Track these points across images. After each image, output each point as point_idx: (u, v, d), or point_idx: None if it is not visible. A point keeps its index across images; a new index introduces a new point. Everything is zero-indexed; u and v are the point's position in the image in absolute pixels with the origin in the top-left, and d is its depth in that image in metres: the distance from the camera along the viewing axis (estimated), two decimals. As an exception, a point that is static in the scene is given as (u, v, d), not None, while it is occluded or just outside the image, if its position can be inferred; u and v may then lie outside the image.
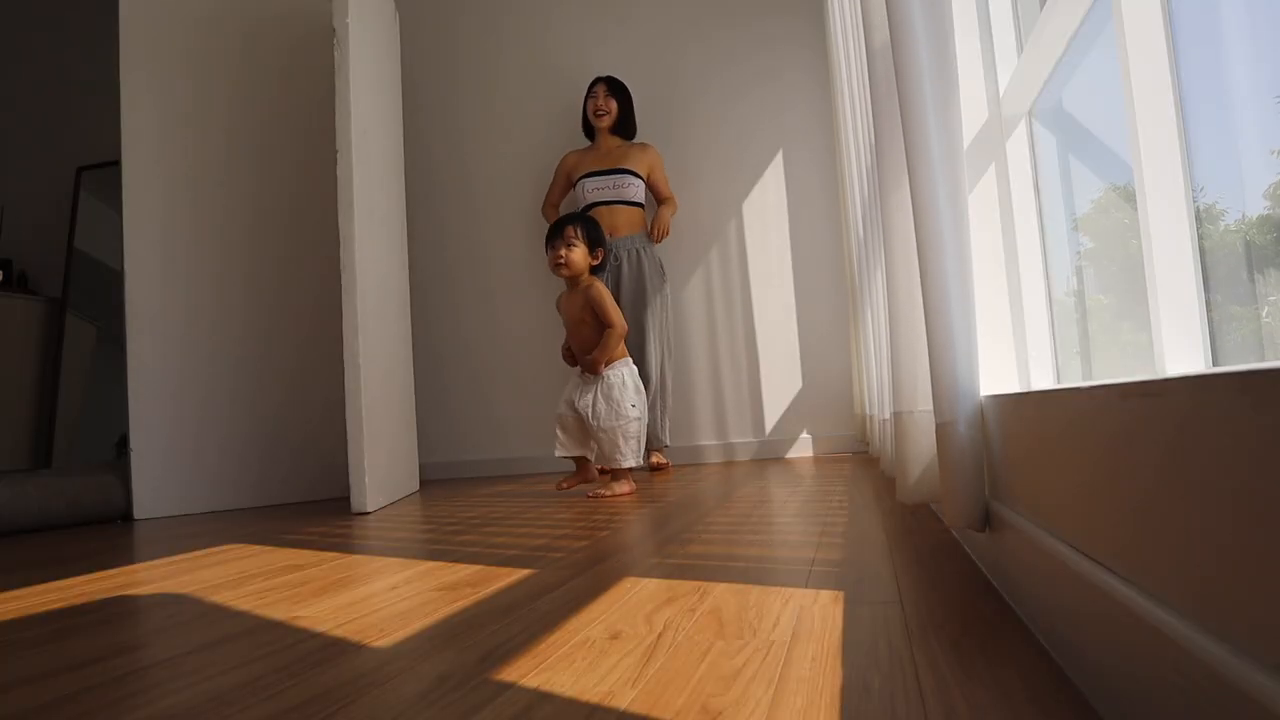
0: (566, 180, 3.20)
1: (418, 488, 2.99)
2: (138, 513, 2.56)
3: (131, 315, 2.64)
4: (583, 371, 2.32)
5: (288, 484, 2.90)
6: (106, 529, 2.37)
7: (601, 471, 2.46)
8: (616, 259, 3.08)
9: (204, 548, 1.73)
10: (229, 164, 2.87)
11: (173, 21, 2.78)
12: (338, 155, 2.39)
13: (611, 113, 3.14)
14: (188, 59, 2.81)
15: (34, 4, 3.79)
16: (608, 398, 2.27)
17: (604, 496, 2.21)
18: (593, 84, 3.19)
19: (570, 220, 2.32)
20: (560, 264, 2.26)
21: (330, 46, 2.88)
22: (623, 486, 2.28)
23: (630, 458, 2.27)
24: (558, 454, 2.35)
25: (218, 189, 2.84)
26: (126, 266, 2.64)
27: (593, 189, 3.10)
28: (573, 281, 2.30)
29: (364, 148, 2.46)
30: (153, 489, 2.61)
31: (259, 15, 2.96)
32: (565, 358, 2.40)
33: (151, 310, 2.68)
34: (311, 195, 2.97)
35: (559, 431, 2.35)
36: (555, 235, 2.31)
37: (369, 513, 2.29)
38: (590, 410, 2.27)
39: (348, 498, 2.34)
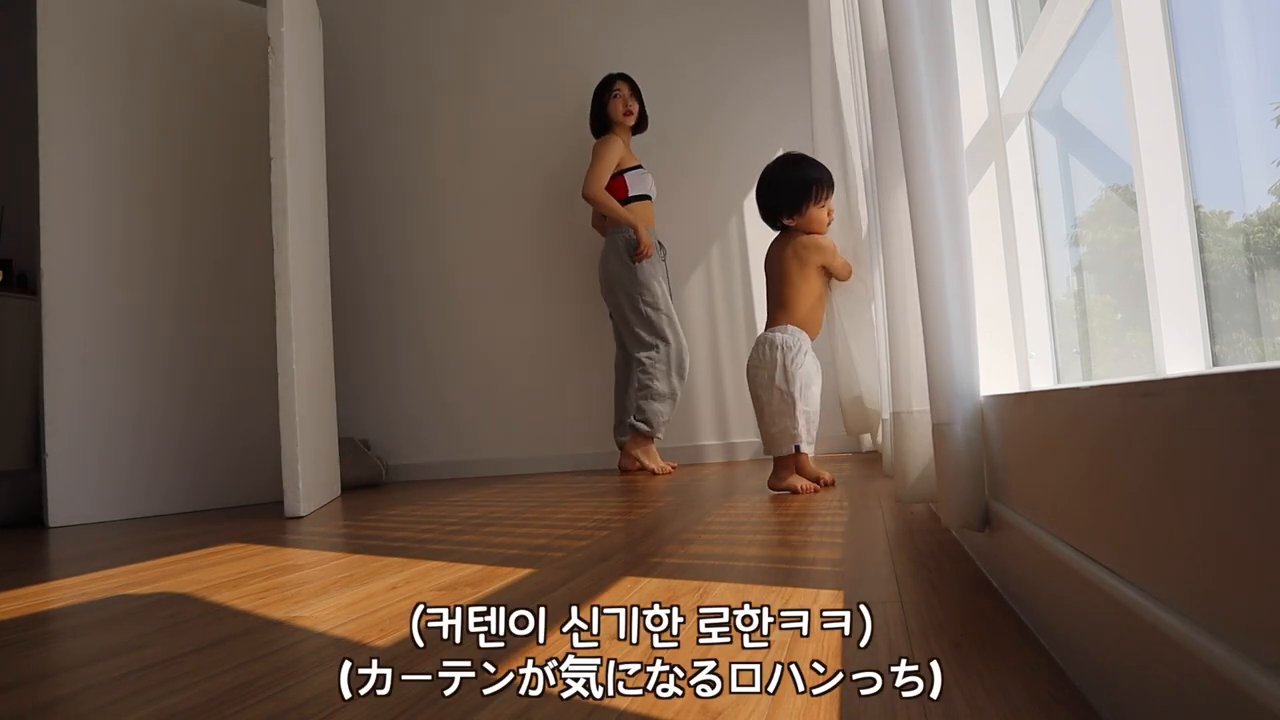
0: (617, 165, 3.14)
1: (339, 493, 2.97)
2: (52, 520, 2.50)
3: (47, 316, 2.57)
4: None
5: (205, 490, 2.84)
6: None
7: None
8: (664, 249, 3.17)
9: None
10: (157, 163, 2.84)
11: (95, 22, 2.74)
12: (271, 162, 2.38)
13: (635, 112, 3.17)
14: (112, 53, 2.77)
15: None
16: None
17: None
18: (612, 81, 3.17)
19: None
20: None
21: (254, 51, 2.85)
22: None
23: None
24: (812, 450, 2.00)
25: (146, 190, 2.81)
26: (44, 265, 2.58)
27: (650, 184, 3.15)
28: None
29: (295, 154, 2.46)
30: (69, 495, 2.54)
31: (185, 14, 2.94)
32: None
33: (67, 309, 2.62)
34: (243, 198, 2.96)
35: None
36: (831, 187, 2.06)
37: (302, 517, 2.28)
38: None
39: (270, 503, 2.32)
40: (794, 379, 1.94)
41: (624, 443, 3.12)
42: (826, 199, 2.04)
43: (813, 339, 2.03)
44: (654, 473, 2.94)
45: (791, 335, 1.98)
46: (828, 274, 2.05)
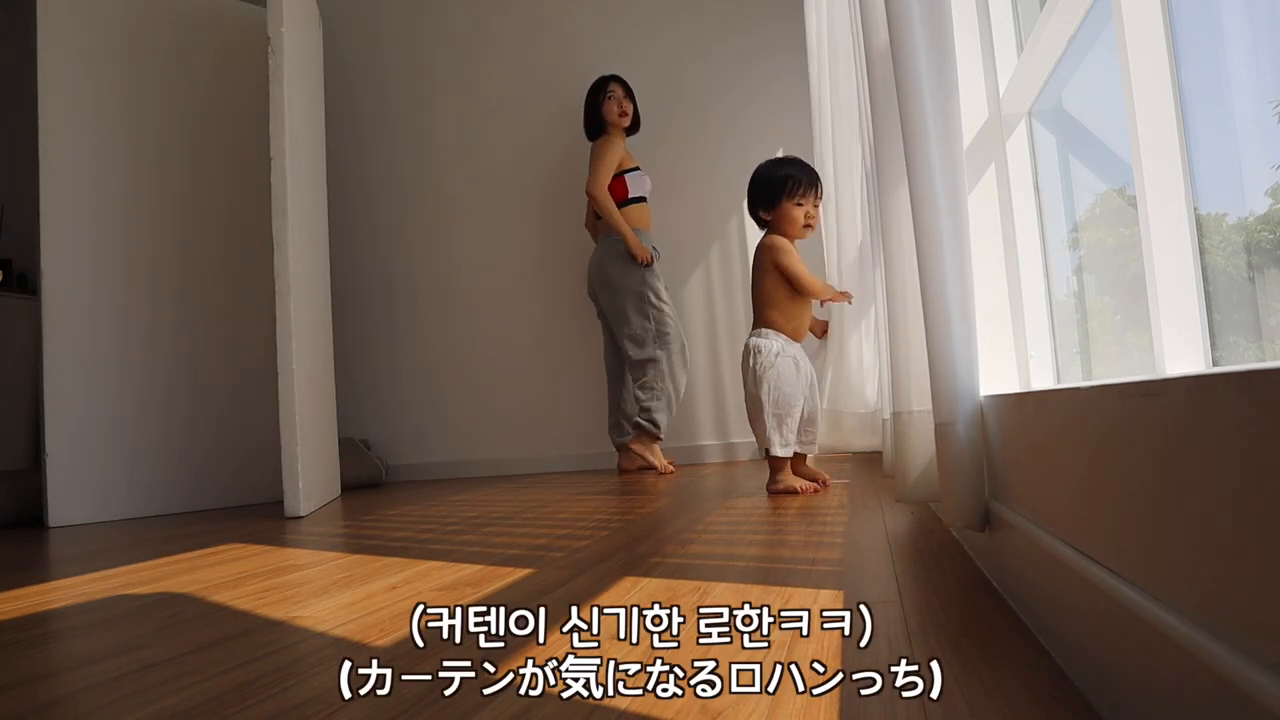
0: (618, 165, 3.12)
1: (339, 493, 2.96)
2: (52, 520, 2.49)
3: (47, 316, 2.57)
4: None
5: (205, 490, 2.84)
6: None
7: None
8: (658, 253, 3.14)
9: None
10: (157, 163, 2.84)
11: (95, 21, 2.74)
12: (271, 162, 2.38)
13: (629, 114, 3.16)
14: (112, 53, 2.77)
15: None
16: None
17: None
18: (606, 83, 3.16)
19: (817, 174, 2.04)
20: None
21: (254, 51, 2.86)
22: None
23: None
24: (791, 451, 1.97)
25: (147, 190, 2.82)
26: (44, 265, 2.58)
27: (648, 185, 3.14)
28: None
29: (295, 154, 2.46)
30: (69, 495, 2.54)
31: (185, 14, 2.94)
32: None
33: (67, 309, 2.61)
34: (243, 198, 2.96)
35: (796, 423, 1.98)
36: (807, 185, 1.99)
37: (302, 517, 2.28)
38: (813, 387, 2.04)
39: (270, 503, 2.31)
40: (761, 382, 1.95)
41: (621, 443, 3.12)
42: (804, 197, 1.98)
43: (796, 340, 2.01)
44: (658, 470, 2.94)
45: (764, 339, 1.99)
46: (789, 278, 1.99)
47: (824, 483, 2.01)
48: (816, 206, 2.01)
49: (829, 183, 2.60)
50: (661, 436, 3.01)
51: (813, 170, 2.04)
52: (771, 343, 1.98)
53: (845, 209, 2.52)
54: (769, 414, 1.95)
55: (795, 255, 1.99)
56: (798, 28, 3.46)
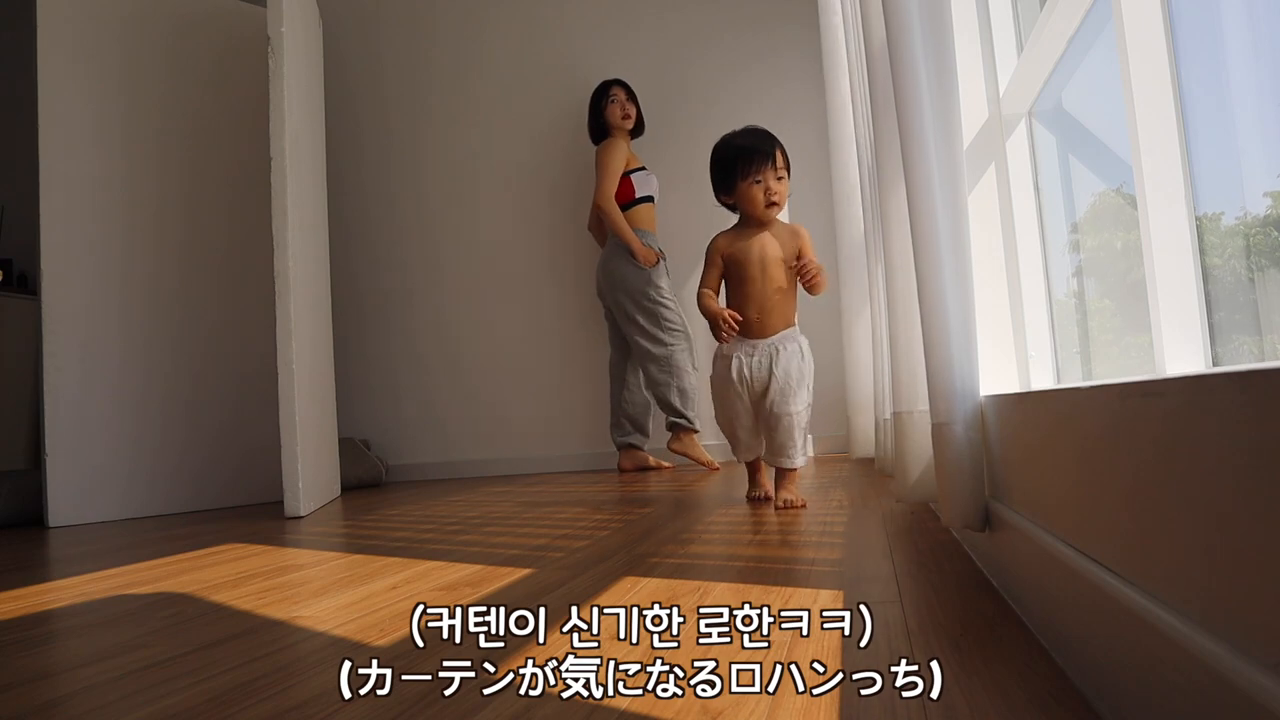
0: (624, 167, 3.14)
1: (339, 493, 2.97)
2: (52, 520, 2.49)
3: (47, 316, 2.57)
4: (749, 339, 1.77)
5: (205, 490, 2.84)
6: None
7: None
8: (664, 255, 3.16)
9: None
10: (157, 163, 2.85)
11: (95, 22, 2.74)
12: (271, 162, 2.39)
13: (632, 116, 3.17)
14: (112, 54, 2.77)
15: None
16: (789, 374, 1.73)
17: (795, 506, 1.69)
18: (608, 87, 3.18)
19: (772, 140, 1.77)
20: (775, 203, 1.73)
21: (254, 51, 2.87)
22: (797, 493, 1.75)
23: (801, 455, 1.75)
24: (746, 459, 1.86)
25: (147, 190, 2.82)
26: (44, 265, 2.58)
27: (654, 184, 3.16)
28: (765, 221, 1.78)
29: (295, 154, 2.47)
30: (69, 495, 2.53)
31: (185, 14, 2.94)
32: (730, 328, 1.73)
33: (67, 309, 2.61)
34: (243, 198, 2.97)
35: (739, 431, 1.80)
36: (760, 159, 1.72)
37: (302, 516, 2.28)
38: (770, 391, 1.73)
39: (271, 503, 2.31)
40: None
41: (623, 442, 3.13)
42: (760, 173, 1.71)
43: (747, 336, 1.76)
44: (707, 467, 2.94)
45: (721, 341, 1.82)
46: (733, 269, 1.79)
47: (783, 505, 1.71)
48: (780, 179, 1.73)
49: (843, 182, 2.60)
50: (697, 429, 3.00)
51: (767, 137, 1.76)
52: (723, 346, 1.79)
53: (859, 207, 2.52)
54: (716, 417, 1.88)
55: (711, 260, 1.80)
56: (804, 28, 3.47)
